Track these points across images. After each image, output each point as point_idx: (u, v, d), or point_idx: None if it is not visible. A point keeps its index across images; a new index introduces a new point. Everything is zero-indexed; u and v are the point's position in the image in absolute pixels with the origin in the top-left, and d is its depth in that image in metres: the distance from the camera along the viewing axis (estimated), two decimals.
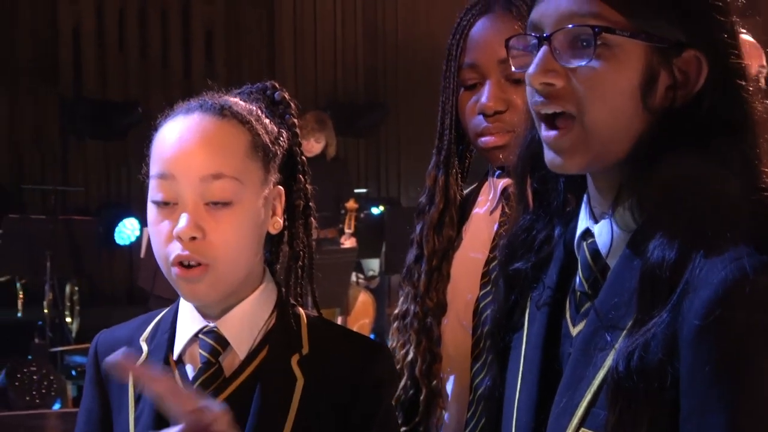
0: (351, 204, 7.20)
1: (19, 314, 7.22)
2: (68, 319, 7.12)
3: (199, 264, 1.58)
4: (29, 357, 6.61)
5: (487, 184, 2.06)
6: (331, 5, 11.11)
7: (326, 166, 7.54)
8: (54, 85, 10.33)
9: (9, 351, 6.94)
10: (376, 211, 8.88)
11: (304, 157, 1.78)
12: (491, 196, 2.01)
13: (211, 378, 1.63)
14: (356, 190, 8.10)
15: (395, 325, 2.09)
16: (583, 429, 1.28)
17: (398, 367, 1.98)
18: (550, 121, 1.32)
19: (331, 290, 6.18)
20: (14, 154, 10.13)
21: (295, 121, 1.78)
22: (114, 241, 8.25)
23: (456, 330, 1.98)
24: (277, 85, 1.80)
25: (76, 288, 7.09)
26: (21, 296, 7.26)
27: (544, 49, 1.30)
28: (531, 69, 1.31)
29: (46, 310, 6.56)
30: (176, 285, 1.61)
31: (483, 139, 1.94)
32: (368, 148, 10.66)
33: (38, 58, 10.40)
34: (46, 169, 10.21)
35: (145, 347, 1.70)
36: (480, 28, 1.98)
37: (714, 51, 1.29)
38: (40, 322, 6.58)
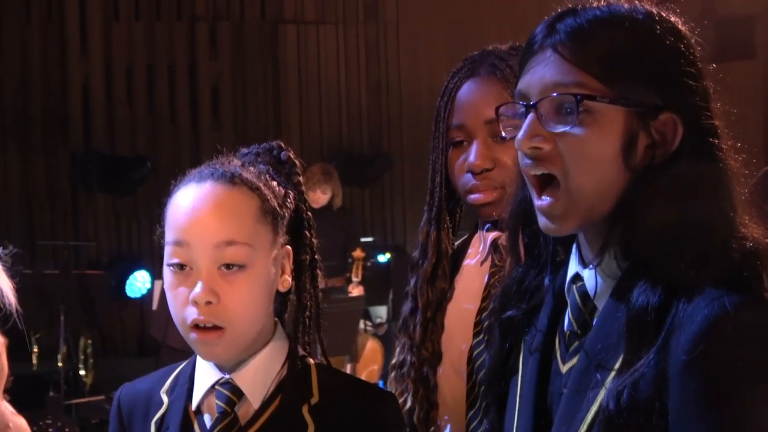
0: (358, 253, 7.17)
1: (34, 368, 7.20)
2: (82, 372, 7.10)
3: (215, 326, 1.62)
4: (45, 409, 6.60)
5: (477, 236, 2.10)
6: (334, 60, 11.09)
7: (333, 217, 7.50)
8: (64, 141, 10.37)
9: (25, 404, 6.92)
10: (382, 258, 8.82)
11: (309, 213, 1.83)
12: (481, 248, 2.05)
13: (228, 427, 1.68)
14: (363, 239, 8.08)
15: (393, 374, 2.13)
16: None
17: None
18: (541, 186, 1.38)
19: (340, 338, 6.16)
20: (26, 209, 10.15)
21: (301, 179, 1.83)
22: (125, 293, 8.18)
23: (451, 378, 2.02)
24: (282, 145, 1.84)
25: (89, 341, 7.08)
26: (35, 350, 7.23)
27: (531, 116, 1.37)
28: (520, 135, 1.37)
29: (60, 364, 6.54)
30: (194, 347, 1.67)
31: (472, 196, 2.00)
32: (373, 198, 10.62)
33: (49, 113, 10.43)
34: (57, 224, 10.22)
35: (165, 399, 1.74)
36: (466, 90, 2.03)
37: (688, 113, 1.35)
38: (54, 375, 6.56)
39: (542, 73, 1.38)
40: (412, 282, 2.13)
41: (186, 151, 10.74)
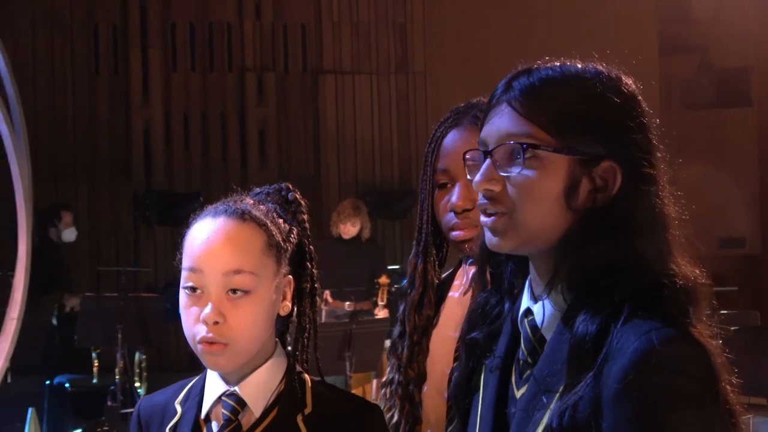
0: (383, 279, 7.17)
1: (95, 380, 7.25)
2: (137, 384, 7.14)
3: (219, 342, 1.65)
4: (103, 418, 6.66)
5: (461, 270, 2.11)
6: (368, 107, 11.12)
7: (362, 247, 7.52)
8: (127, 179, 10.50)
9: (85, 412, 7.01)
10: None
11: (311, 247, 1.85)
12: (464, 280, 2.06)
13: None
14: (392, 266, 8.08)
15: (383, 391, 2.14)
16: None
17: None
18: (490, 214, 1.41)
19: (367, 356, 6.17)
20: (94, 240, 10.26)
21: (305, 217, 1.84)
22: (179, 315, 8.20)
23: (434, 396, 2.03)
24: (290, 187, 1.87)
25: (144, 356, 7.13)
26: (96, 364, 7.28)
27: (487, 161, 1.40)
28: (477, 178, 1.41)
29: (117, 377, 6.58)
30: (201, 358, 1.69)
31: (454, 233, 2.02)
32: (402, 230, 10.61)
33: (114, 155, 10.57)
34: (120, 253, 10.34)
35: (179, 409, 1.76)
36: (451, 138, 2.06)
37: (627, 162, 1.37)
38: (112, 387, 6.61)
39: (498, 124, 1.40)
40: (401, 309, 2.14)
41: (236, 187, 10.81)
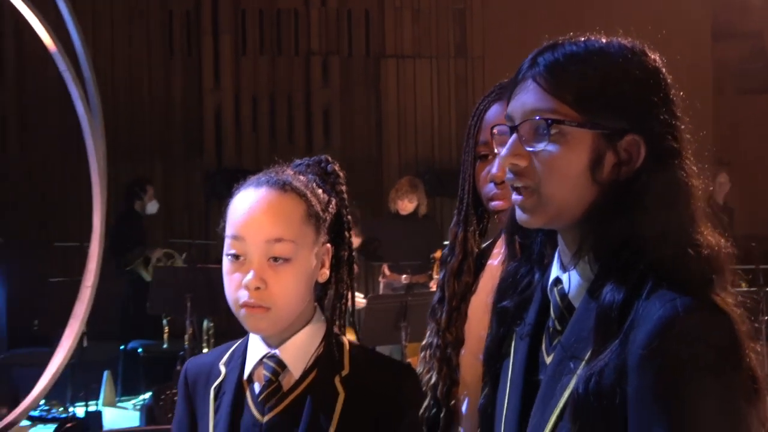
0: (438, 254, 7.19)
1: (165, 345, 7.36)
2: (205, 350, 7.25)
3: (261, 306, 1.66)
4: (173, 380, 6.75)
5: (501, 239, 2.06)
6: (428, 90, 11.11)
7: (418, 223, 7.51)
8: (200, 157, 10.58)
9: (156, 376, 7.11)
10: None
11: (349, 217, 1.84)
12: (503, 249, 2.01)
13: (272, 393, 1.71)
14: (446, 242, 8.05)
15: (422, 354, 2.13)
16: None
17: (423, 389, 2.02)
18: (518, 189, 1.39)
19: (421, 326, 6.17)
20: (166, 213, 10.37)
21: (344, 188, 1.84)
22: None
23: (470, 360, 2.01)
24: (330, 159, 1.88)
25: (212, 324, 7.20)
26: (167, 331, 7.38)
27: (513, 136, 1.38)
28: (503, 152, 1.39)
29: (186, 343, 6.66)
30: (243, 321, 1.70)
31: (493, 203, 2.00)
32: None
33: (187, 135, 10.65)
34: (192, 227, 10.42)
35: (223, 370, 1.78)
36: (493, 112, 2.03)
37: (651, 136, 1.34)
38: (181, 352, 6.70)
39: (524, 99, 1.38)
40: (441, 275, 2.13)
41: (277, 159, 10.86)
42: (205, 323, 7.05)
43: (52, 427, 6.32)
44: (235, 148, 10.68)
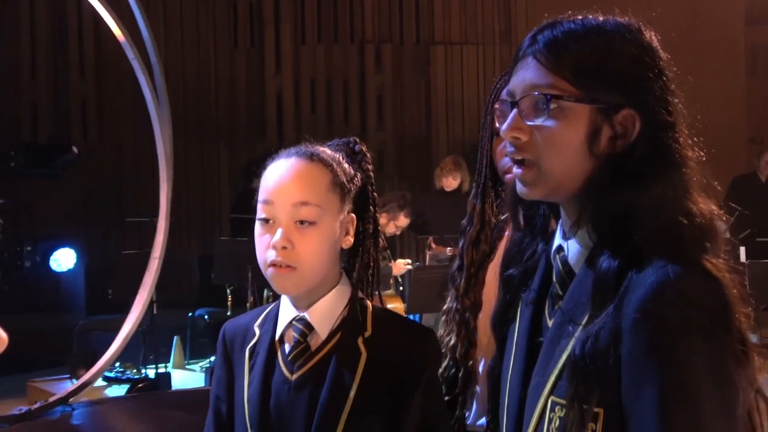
0: None
1: (229, 312, 7.40)
2: None
3: (288, 266, 1.66)
4: None
5: None
6: (475, 75, 11.10)
7: (462, 199, 7.50)
8: (262, 139, 10.70)
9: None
10: None
11: (375, 194, 1.83)
12: None
13: (301, 353, 1.71)
14: None
15: (443, 318, 2.12)
16: (552, 397, 1.31)
17: (443, 350, 2.01)
18: (519, 162, 1.37)
19: None
20: (233, 191, 10.49)
21: (370, 167, 1.83)
22: None
23: (487, 324, 1.95)
24: (358, 140, 1.86)
25: (271, 293, 7.25)
26: (230, 299, 7.45)
27: (514, 111, 1.35)
28: (504, 126, 1.36)
29: (248, 310, 6.73)
30: (271, 281, 1.69)
31: (508, 176, 1.95)
32: None
33: (251, 118, 10.78)
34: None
35: (257, 331, 1.78)
36: None
37: (645, 109, 1.31)
38: None
39: (524, 75, 1.36)
40: (460, 244, 2.11)
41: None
42: (265, 292, 7.09)
43: (126, 387, 6.43)
44: (295, 130, 10.73)
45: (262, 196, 1.70)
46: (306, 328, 1.73)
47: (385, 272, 6.69)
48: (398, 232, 7.03)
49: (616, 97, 1.31)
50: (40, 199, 9.98)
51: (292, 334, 1.73)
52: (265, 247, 1.68)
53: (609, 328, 1.23)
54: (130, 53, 5.58)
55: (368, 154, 1.84)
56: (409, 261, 7.02)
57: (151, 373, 6.78)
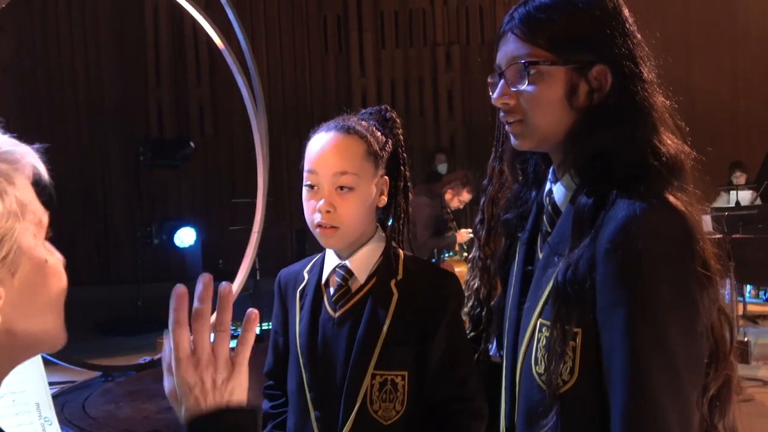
0: None
1: None
2: None
3: (332, 226, 1.68)
4: None
5: None
6: None
7: None
8: None
9: None
10: None
11: (405, 155, 1.82)
12: None
13: (342, 294, 1.73)
14: None
15: (469, 265, 2.13)
16: (540, 319, 1.30)
17: (468, 293, 2.01)
18: (510, 123, 1.37)
19: None
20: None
21: (399, 131, 1.82)
22: None
23: None
24: (389, 108, 1.85)
25: None
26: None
27: (501, 81, 1.35)
28: (494, 95, 1.37)
29: None
30: (318, 238, 1.72)
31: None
32: None
33: (340, 113, 10.69)
34: None
35: (306, 277, 1.80)
36: None
37: (615, 64, 1.29)
38: None
39: (506, 49, 1.35)
40: (482, 201, 2.11)
41: (430, 134, 10.86)
42: None
43: (235, 341, 6.57)
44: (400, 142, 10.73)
45: (307, 166, 1.71)
46: (347, 273, 1.74)
47: (451, 240, 6.65)
48: (462, 206, 6.97)
49: (587, 56, 1.30)
50: (165, 187, 10.25)
51: (336, 279, 1.75)
52: (312, 210, 1.69)
53: (586, 257, 1.22)
54: (229, 58, 5.68)
55: (398, 120, 1.83)
56: (471, 230, 6.98)
57: (257, 329, 6.92)
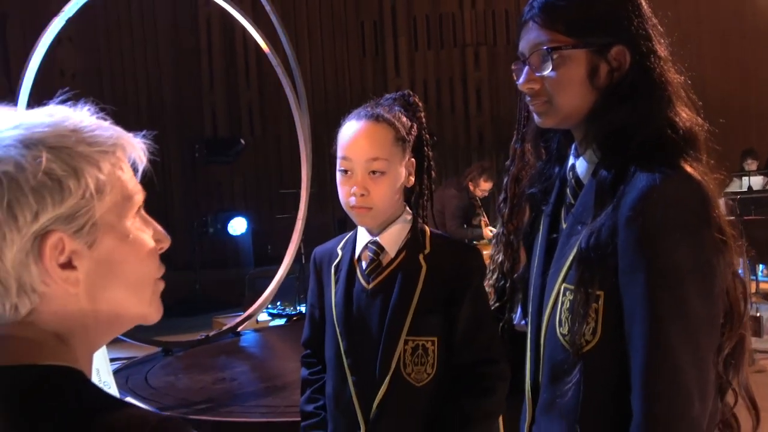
0: None
1: None
2: None
3: (366, 207, 1.67)
4: None
5: None
6: None
7: None
8: None
9: None
10: None
11: (428, 136, 1.80)
12: None
13: (375, 268, 1.72)
14: None
15: (493, 241, 2.10)
16: (564, 284, 1.29)
17: (492, 267, 1.98)
18: (535, 105, 1.35)
19: None
20: None
21: (422, 115, 1.80)
22: None
23: None
24: (411, 93, 1.83)
25: None
26: None
27: (526, 68, 1.33)
28: (520, 81, 1.35)
29: None
30: (353, 218, 1.72)
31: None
32: None
33: None
34: None
35: (340, 253, 1.80)
36: None
37: (632, 43, 1.27)
38: None
39: (528, 37, 1.33)
40: (504, 180, 2.07)
41: (461, 129, 10.80)
42: None
43: (284, 320, 6.61)
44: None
45: (340, 153, 1.70)
46: (378, 248, 1.73)
47: (478, 233, 6.62)
48: (486, 194, 6.92)
49: (605, 38, 1.27)
50: (219, 181, 10.33)
51: (368, 254, 1.74)
52: (347, 193, 1.69)
53: (608, 225, 1.20)
54: (275, 63, 5.68)
55: (420, 104, 1.81)
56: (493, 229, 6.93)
57: (302, 309, 6.95)
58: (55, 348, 0.80)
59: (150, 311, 0.89)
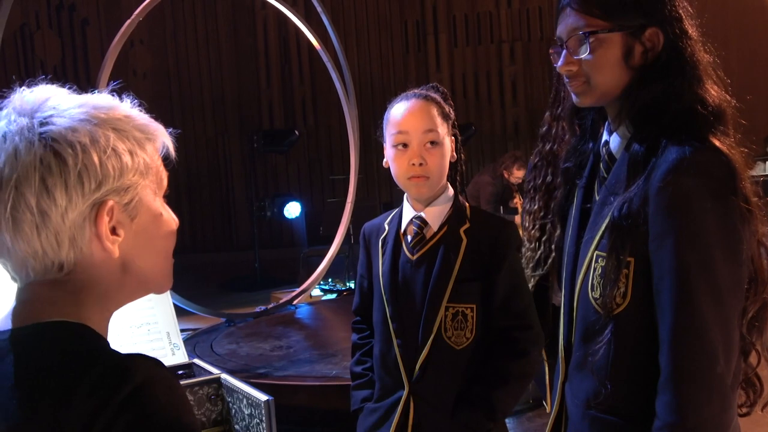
0: None
1: None
2: None
3: (424, 176, 1.67)
4: None
5: None
6: None
7: None
8: None
9: None
10: None
11: (455, 122, 1.79)
12: None
13: (419, 241, 1.71)
14: None
15: (524, 218, 2.06)
16: (597, 251, 1.27)
17: (529, 237, 1.95)
18: (574, 85, 1.32)
19: None
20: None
21: (450, 102, 1.80)
22: None
23: None
24: (439, 85, 1.82)
25: None
26: None
27: (564, 51, 1.30)
28: (558, 63, 1.32)
29: None
30: (409, 189, 1.71)
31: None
32: None
33: None
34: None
35: (387, 227, 1.79)
36: None
37: (665, 25, 1.24)
38: None
39: (566, 23, 1.30)
40: (537, 147, 2.03)
41: (497, 119, 10.69)
42: None
43: (335, 295, 6.65)
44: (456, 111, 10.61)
45: (395, 129, 1.69)
46: (423, 223, 1.73)
47: (512, 217, 6.55)
48: (520, 181, 6.84)
49: (639, 21, 1.25)
50: (275, 168, 10.42)
51: (413, 228, 1.74)
52: (406, 165, 1.68)
53: (640, 195, 1.18)
54: (324, 58, 5.68)
55: (447, 92, 1.81)
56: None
57: (351, 285, 6.99)
58: (74, 307, 0.83)
59: (166, 282, 0.93)
